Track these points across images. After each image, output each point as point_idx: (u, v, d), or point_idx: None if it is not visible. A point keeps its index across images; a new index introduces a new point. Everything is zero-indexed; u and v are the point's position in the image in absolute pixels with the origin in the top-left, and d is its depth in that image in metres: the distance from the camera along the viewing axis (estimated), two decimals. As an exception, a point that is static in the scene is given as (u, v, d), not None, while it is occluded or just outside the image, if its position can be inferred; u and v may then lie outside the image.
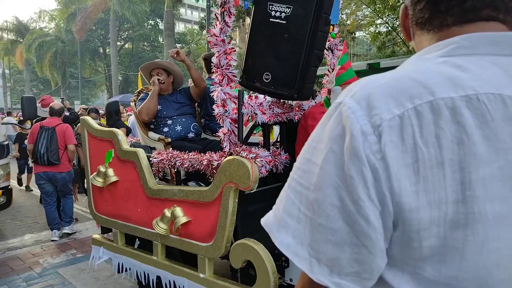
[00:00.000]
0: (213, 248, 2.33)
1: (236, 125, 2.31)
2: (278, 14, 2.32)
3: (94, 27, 30.80)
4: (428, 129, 0.50)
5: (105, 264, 3.55)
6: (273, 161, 2.40)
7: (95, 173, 3.15)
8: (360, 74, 17.88)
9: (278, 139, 2.96)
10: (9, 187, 4.96)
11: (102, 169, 3.11)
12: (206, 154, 2.43)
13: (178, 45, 27.09)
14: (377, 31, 24.38)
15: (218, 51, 2.29)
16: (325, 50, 3.19)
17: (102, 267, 3.66)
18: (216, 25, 2.30)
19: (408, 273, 0.54)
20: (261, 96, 2.44)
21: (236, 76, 2.35)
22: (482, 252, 0.50)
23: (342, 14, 27.42)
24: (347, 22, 25.67)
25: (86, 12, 26.33)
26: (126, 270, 3.09)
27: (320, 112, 2.42)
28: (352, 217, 0.52)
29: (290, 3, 2.28)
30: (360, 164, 0.51)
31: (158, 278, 2.76)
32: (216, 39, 2.29)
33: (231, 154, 2.29)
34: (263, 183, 2.64)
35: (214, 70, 2.32)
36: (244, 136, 2.40)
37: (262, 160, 2.28)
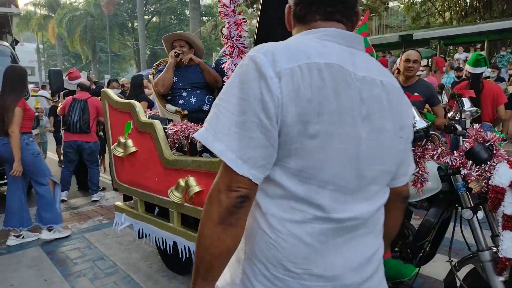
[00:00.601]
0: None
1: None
2: (290, -18, 2.27)
3: (121, 1, 31.03)
4: (305, 78, 0.83)
5: (128, 230, 3.71)
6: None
7: (115, 143, 3.27)
8: (392, 46, 17.16)
9: None
10: (40, 157, 5.22)
11: (122, 139, 3.21)
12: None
13: (204, 18, 26.91)
14: (411, 1, 23.28)
15: (228, 22, 2.27)
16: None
17: (126, 233, 3.85)
18: (227, -5, 2.28)
19: (279, 166, 0.87)
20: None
21: (247, 48, 2.34)
22: (320, 153, 0.84)
23: (376, -18, 26.39)
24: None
25: (114, -15, 26.48)
26: (146, 236, 3.24)
27: None
28: (266, 128, 0.82)
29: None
30: (272, 96, 0.81)
31: (175, 243, 2.88)
32: (227, 9, 2.27)
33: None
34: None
35: (225, 42, 2.32)
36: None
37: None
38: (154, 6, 33.63)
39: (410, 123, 1.03)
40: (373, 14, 27.94)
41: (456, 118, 2.31)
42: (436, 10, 22.42)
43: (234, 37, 2.29)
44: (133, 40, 33.80)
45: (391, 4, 27.36)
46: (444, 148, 2.06)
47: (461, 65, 9.50)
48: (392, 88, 0.97)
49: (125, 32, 34.86)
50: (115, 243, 3.77)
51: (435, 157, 2.02)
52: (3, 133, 3.66)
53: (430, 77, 8.71)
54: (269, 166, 0.86)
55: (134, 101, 3.22)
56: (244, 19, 2.31)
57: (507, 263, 1.83)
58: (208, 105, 3.31)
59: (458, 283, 2.05)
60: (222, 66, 2.36)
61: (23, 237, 3.82)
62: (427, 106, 3.76)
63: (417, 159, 2.02)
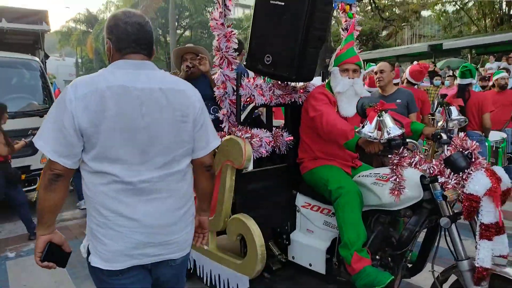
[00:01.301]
0: (215, 223, 2.49)
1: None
2: (277, -4, 2.36)
3: (155, 16, 32.17)
4: (92, 98, 1.33)
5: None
6: (273, 142, 2.48)
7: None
8: (422, 56, 16.70)
9: None
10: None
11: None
12: (209, 134, 2.57)
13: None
14: (442, 10, 22.72)
15: (218, 35, 2.39)
16: (341, 31, 3.16)
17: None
18: (217, 9, 2.40)
19: (86, 153, 1.37)
20: (259, 78, 2.51)
21: (236, 59, 2.44)
22: (107, 142, 1.35)
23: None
24: (414, 0, 24.20)
25: (147, 1, 27.57)
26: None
27: (319, 92, 2.44)
28: (65, 132, 1.32)
29: (288, -16, 2.31)
30: (68, 112, 1.32)
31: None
32: (216, 23, 2.39)
33: (230, 134, 2.40)
34: (268, 163, 2.74)
35: (215, 53, 2.44)
36: (244, 117, 2.51)
37: (260, 140, 2.37)
38: (186, 21, 34.64)
39: (195, 111, 1.51)
40: (404, 23, 27.54)
41: (444, 126, 2.29)
42: (470, 19, 21.77)
43: (223, 49, 2.40)
44: (166, 54, 34.88)
45: (424, 13, 26.87)
46: (422, 156, 2.06)
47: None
48: (172, 91, 1.47)
49: (158, 46, 36.04)
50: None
51: (412, 165, 2.02)
52: None
53: (454, 87, 8.45)
54: (73, 155, 1.36)
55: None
56: (233, 32, 2.41)
57: (484, 273, 1.80)
58: (212, 115, 3.41)
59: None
60: (213, 77, 2.47)
61: None
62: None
63: (394, 167, 2.03)
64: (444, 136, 2.16)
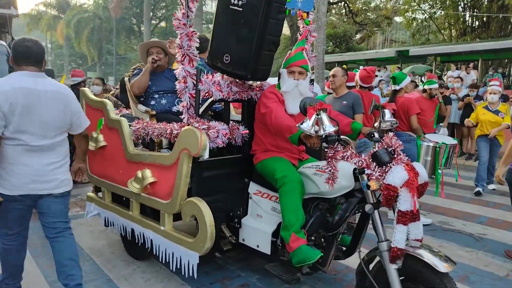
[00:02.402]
0: (171, 205, 2.71)
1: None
2: (236, 1, 2.60)
3: (130, 5, 31.67)
4: (8, 94, 2.24)
5: (100, 220, 4.02)
6: (229, 134, 2.72)
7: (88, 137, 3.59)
8: (389, 61, 17.40)
9: None
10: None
11: (94, 134, 3.53)
12: (170, 124, 2.78)
13: (204, 26, 27.41)
14: (411, 17, 23.60)
15: (180, 34, 2.60)
16: (298, 36, 3.42)
17: (98, 223, 4.14)
18: (180, 9, 2.61)
19: (7, 129, 2.28)
20: (218, 75, 2.74)
21: (196, 56, 2.66)
22: (20, 122, 2.28)
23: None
24: (387, 6, 24.96)
25: (122, -10, 27.12)
26: (112, 224, 3.54)
27: (270, 91, 2.70)
28: None
29: (246, -8, 2.55)
30: None
31: (132, 230, 3.18)
32: (179, 23, 2.59)
33: (189, 125, 2.62)
34: (227, 154, 2.97)
35: (177, 51, 2.64)
36: (202, 110, 2.73)
37: (216, 132, 2.60)
38: (162, 11, 34.28)
39: (72, 108, 2.50)
40: (376, 28, 28.39)
41: (378, 127, 2.60)
42: (437, 27, 22.75)
43: (185, 47, 2.61)
44: (140, 43, 34.39)
45: (397, 19, 27.71)
46: (353, 151, 2.36)
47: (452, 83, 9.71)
48: (57, 93, 2.42)
49: (132, 36, 35.50)
50: (87, 232, 4.07)
51: (345, 158, 2.32)
52: None
53: (414, 92, 8.97)
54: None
55: (105, 100, 3.54)
56: (194, 31, 2.63)
57: (399, 252, 2.12)
58: (176, 106, 3.61)
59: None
60: (175, 71, 2.67)
61: None
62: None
63: (329, 160, 2.32)
64: (376, 135, 2.46)
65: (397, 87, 4.70)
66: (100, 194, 3.75)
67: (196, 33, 2.63)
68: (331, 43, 26.04)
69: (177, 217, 2.88)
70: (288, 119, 2.47)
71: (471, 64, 13.98)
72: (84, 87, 5.65)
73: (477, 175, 5.95)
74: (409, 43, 25.90)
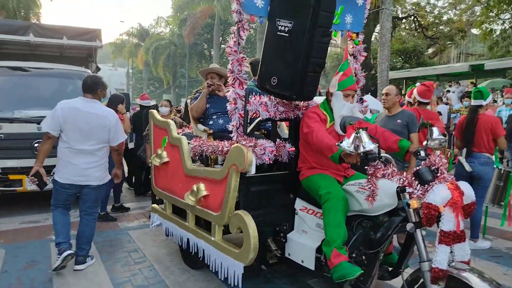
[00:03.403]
0: (220, 217, 2.90)
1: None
2: (283, 28, 2.78)
3: (201, 32, 33.69)
4: (63, 111, 3.50)
5: (162, 230, 4.36)
6: (275, 151, 2.86)
7: (155, 154, 3.97)
8: (463, 76, 16.39)
9: None
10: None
11: (159, 151, 3.90)
12: (222, 142, 3.00)
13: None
14: (488, 29, 22.02)
15: (231, 59, 2.84)
16: (349, 56, 3.50)
17: (161, 233, 4.48)
18: (232, 38, 2.85)
19: (61, 133, 3.54)
20: (265, 96, 2.92)
21: (246, 80, 2.87)
22: (69, 132, 3.49)
23: (454, 10, 25.39)
24: (461, 18, 23.63)
25: (195, 17, 29.03)
26: (171, 235, 3.83)
27: (312, 111, 2.81)
28: (55, 124, 3.48)
29: (291, 19, 2.72)
30: (56, 116, 3.46)
31: (188, 240, 3.43)
32: (231, 50, 2.84)
33: (237, 143, 2.82)
34: (276, 170, 3.11)
35: (229, 75, 2.88)
36: (250, 129, 2.92)
37: (263, 149, 2.76)
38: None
39: (109, 125, 3.59)
40: (450, 42, 26.90)
41: (425, 145, 2.56)
42: (519, 39, 20.93)
43: (235, 71, 2.84)
44: (198, 71, 36.27)
45: (475, 31, 26.05)
46: (395, 169, 2.36)
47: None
48: (97, 114, 3.55)
49: (203, 60, 37.57)
50: (150, 240, 4.43)
51: (385, 176, 2.33)
52: None
53: (489, 109, 8.39)
54: (57, 132, 3.48)
55: (170, 120, 3.90)
56: (244, 57, 2.85)
57: (440, 273, 2.07)
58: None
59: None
60: (226, 94, 2.91)
61: None
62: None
63: (369, 177, 2.35)
64: (422, 153, 2.44)
65: (484, 103, 4.29)
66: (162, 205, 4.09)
67: (245, 59, 2.85)
68: (400, 58, 25.23)
69: (228, 230, 3.07)
70: (329, 138, 2.55)
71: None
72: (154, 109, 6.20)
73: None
74: (487, 56, 24.12)
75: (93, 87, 3.59)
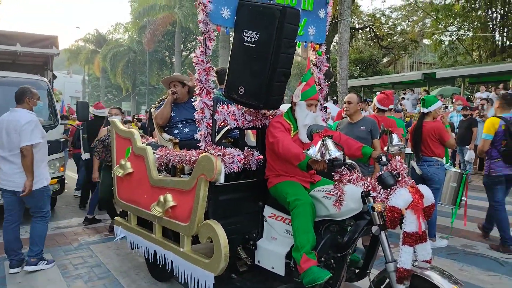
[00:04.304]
0: (189, 227, 2.88)
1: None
2: (249, 39, 2.82)
3: (162, 39, 33.24)
4: None
5: (127, 243, 4.23)
6: (243, 160, 2.89)
7: (117, 165, 3.87)
8: (416, 84, 17.32)
9: None
10: (63, 177, 5.94)
11: (122, 162, 3.80)
12: (189, 152, 2.99)
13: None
14: (438, 40, 23.43)
15: (199, 69, 2.84)
16: (312, 66, 3.61)
17: (125, 246, 4.35)
18: (199, 47, 2.86)
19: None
20: (233, 106, 2.95)
21: (213, 89, 2.88)
22: None
23: (407, 21, 26.79)
24: (413, 29, 24.97)
25: (155, 24, 28.60)
26: (137, 247, 3.73)
27: (276, 121, 2.88)
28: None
29: (257, 31, 2.77)
30: None
31: (155, 252, 3.36)
32: (198, 59, 2.84)
33: (205, 152, 2.82)
34: (244, 178, 3.13)
35: (196, 84, 2.88)
36: (218, 138, 2.93)
37: (231, 158, 2.77)
38: (192, 43, 35.72)
39: (19, 130, 3.64)
40: (403, 52, 28.32)
41: (386, 151, 2.69)
42: (465, 49, 22.43)
43: (203, 81, 2.85)
44: (170, 74, 35.82)
45: (426, 41, 27.57)
46: (359, 175, 2.46)
47: (481, 104, 9.51)
48: (13, 121, 3.68)
49: (164, 67, 37.05)
50: (114, 254, 4.29)
51: (351, 182, 2.42)
52: None
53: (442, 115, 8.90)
54: None
55: (133, 130, 3.82)
56: (211, 67, 2.87)
57: (405, 273, 2.17)
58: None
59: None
60: (194, 103, 2.90)
61: None
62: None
63: (335, 183, 2.44)
64: (384, 159, 2.56)
65: (425, 110, 4.55)
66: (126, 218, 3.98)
67: (212, 68, 2.86)
68: (358, 67, 26.22)
69: (197, 240, 3.04)
70: (295, 147, 2.62)
71: (501, 85, 13.67)
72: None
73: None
74: (438, 65, 25.64)
75: (19, 97, 3.80)
